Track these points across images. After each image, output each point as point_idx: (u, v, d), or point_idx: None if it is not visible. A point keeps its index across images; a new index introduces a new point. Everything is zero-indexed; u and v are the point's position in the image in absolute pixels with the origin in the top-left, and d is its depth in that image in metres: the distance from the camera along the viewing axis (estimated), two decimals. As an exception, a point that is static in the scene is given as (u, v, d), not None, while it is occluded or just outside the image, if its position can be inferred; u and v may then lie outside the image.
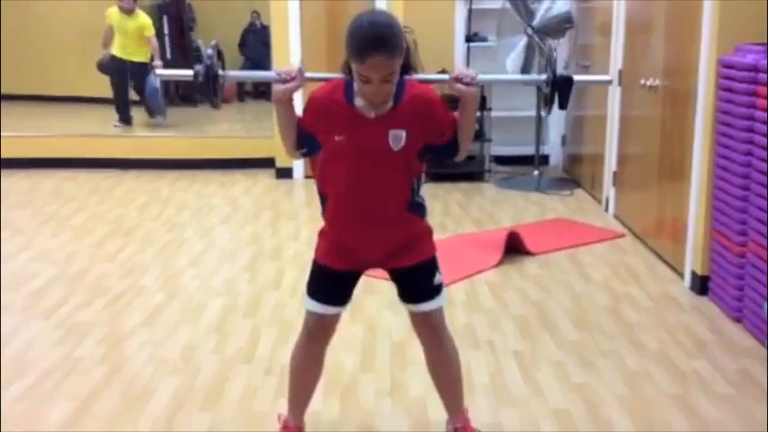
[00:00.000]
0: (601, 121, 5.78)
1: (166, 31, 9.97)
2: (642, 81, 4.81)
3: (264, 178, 6.85)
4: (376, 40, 2.17)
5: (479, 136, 6.93)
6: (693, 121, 4.06)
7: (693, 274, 4.11)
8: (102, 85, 8.40)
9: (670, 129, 4.49)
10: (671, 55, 4.51)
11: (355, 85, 2.31)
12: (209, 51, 2.44)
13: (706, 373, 3.22)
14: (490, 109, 6.85)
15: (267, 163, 6.92)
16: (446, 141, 2.39)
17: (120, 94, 8.38)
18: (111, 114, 8.32)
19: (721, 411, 2.92)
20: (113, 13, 8.17)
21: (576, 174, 6.77)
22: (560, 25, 6.27)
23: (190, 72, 2.44)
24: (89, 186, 6.65)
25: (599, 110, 5.86)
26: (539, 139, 6.76)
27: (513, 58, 6.45)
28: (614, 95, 5.48)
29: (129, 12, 8.12)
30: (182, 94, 10.11)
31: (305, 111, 2.41)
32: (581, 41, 6.36)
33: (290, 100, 2.38)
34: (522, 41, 6.36)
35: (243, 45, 10.53)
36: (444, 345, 2.57)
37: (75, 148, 7.40)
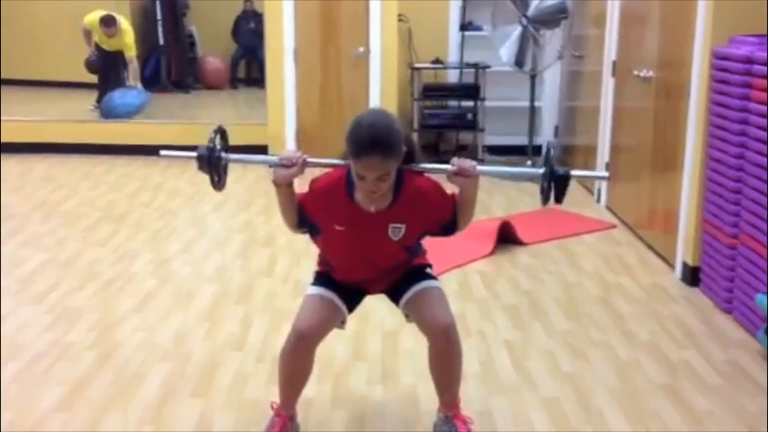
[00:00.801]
0: (594, 112, 5.78)
1: (159, 16, 9.91)
2: (636, 72, 4.81)
3: (257, 166, 6.80)
4: (372, 142, 2.22)
5: (473, 126, 6.94)
6: (687, 112, 4.06)
7: (685, 265, 4.12)
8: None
9: (663, 120, 4.50)
10: (665, 46, 4.51)
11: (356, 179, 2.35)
12: (212, 134, 2.48)
13: (696, 363, 3.23)
14: (484, 99, 6.85)
15: (260, 150, 6.88)
16: (445, 224, 2.49)
17: (105, 81, 8.27)
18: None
19: (711, 402, 2.93)
20: (94, 23, 7.93)
21: (568, 164, 6.71)
22: (555, 15, 6.27)
23: (193, 154, 2.46)
24: (81, 172, 6.62)
25: (592, 101, 5.86)
26: (532, 130, 6.76)
27: (508, 47, 6.45)
28: (608, 86, 5.48)
29: (110, 36, 7.97)
30: (174, 81, 10.06)
31: (306, 198, 2.47)
32: (575, 32, 6.36)
33: (291, 184, 2.44)
34: (516, 31, 6.35)
35: (236, 32, 10.48)
36: (453, 349, 2.55)
37: (67, 133, 7.36)
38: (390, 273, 2.58)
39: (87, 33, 8.09)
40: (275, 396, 2.68)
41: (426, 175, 2.49)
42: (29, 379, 3.06)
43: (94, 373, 3.11)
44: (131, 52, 8.08)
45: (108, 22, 7.88)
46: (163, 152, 2.69)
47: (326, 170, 2.50)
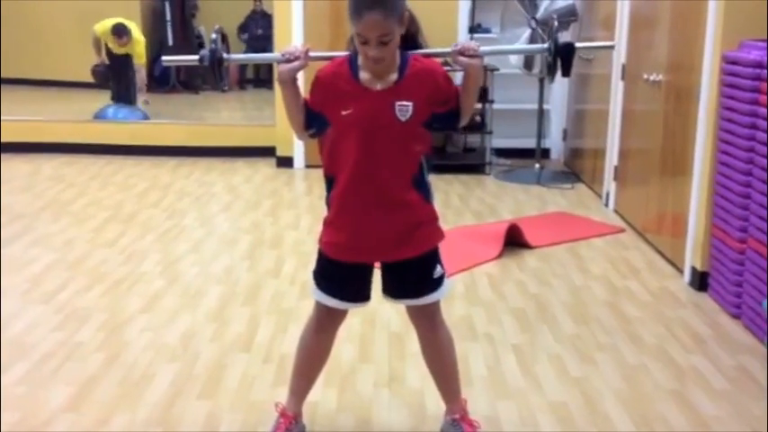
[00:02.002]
0: (603, 115, 5.77)
1: (168, 17, 9.95)
2: (645, 76, 4.80)
3: (265, 167, 6.84)
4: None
5: (481, 128, 6.94)
6: (696, 116, 4.05)
7: (693, 269, 4.11)
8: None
9: (672, 124, 4.49)
10: (674, 50, 4.50)
11: (359, 60, 2.34)
12: (214, 35, 2.49)
13: (704, 368, 3.22)
14: (492, 101, 6.84)
15: (268, 151, 6.91)
16: (448, 110, 2.42)
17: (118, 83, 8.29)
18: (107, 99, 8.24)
19: (718, 407, 2.92)
20: (107, 34, 7.93)
21: (576, 168, 6.77)
22: (564, 18, 6.25)
23: (195, 57, 2.45)
24: (90, 172, 6.64)
25: (601, 104, 5.85)
26: (540, 133, 6.75)
27: (517, 51, 6.44)
28: (617, 90, 5.47)
29: (122, 45, 7.96)
30: (183, 81, 10.09)
31: (311, 89, 2.43)
32: (585, 35, 6.34)
33: (295, 80, 2.40)
34: (525, 34, 6.34)
35: (245, 33, 10.50)
36: (439, 333, 2.58)
37: (76, 132, 7.39)
38: (396, 211, 2.41)
39: (97, 42, 8.06)
40: (281, 397, 2.69)
41: None
42: (37, 379, 3.06)
43: (102, 373, 3.12)
44: (141, 60, 8.07)
45: (120, 32, 7.86)
46: (165, 58, 2.69)
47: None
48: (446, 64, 2.46)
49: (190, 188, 6.15)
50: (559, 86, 7.09)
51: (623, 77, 5.39)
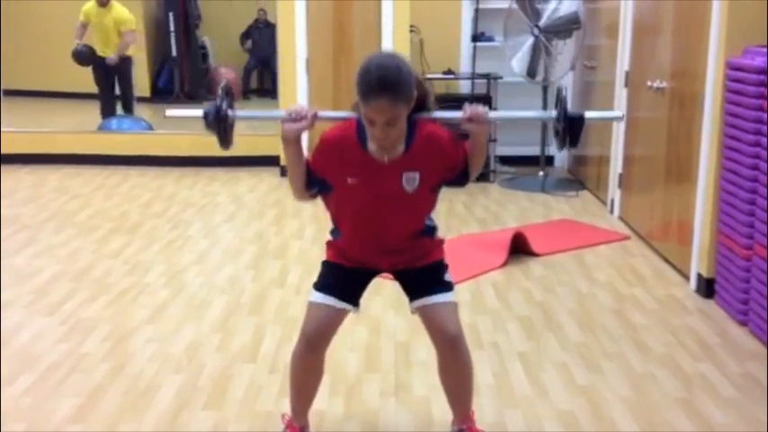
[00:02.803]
0: (607, 122, 5.76)
1: (172, 28, 9.97)
2: (649, 83, 4.80)
3: (269, 176, 6.84)
4: (381, 84, 2.19)
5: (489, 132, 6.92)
6: (701, 123, 4.05)
7: (699, 276, 4.09)
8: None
9: (677, 131, 4.48)
10: (678, 57, 4.49)
11: (367, 129, 2.32)
12: (220, 92, 2.44)
13: (711, 376, 3.21)
14: (496, 109, 6.84)
15: (272, 161, 6.91)
16: (458, 173, 2.44)
17: (106, 94, 8.21)
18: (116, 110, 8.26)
19: (726, 415, 2.91)
20: (90, 8, 7.91)
21: (581, 175, 6.76)
22: (567, 26, 6.26)
23: (199, 112, 2.44)
24: (94, 183, 6.65)
25: (605, 111, 5.83)
26: (544, 140, 6.75)
27: (520, 59, 6.45)
28: (621, 97, 5.47)
29: (104, 4, 7.87)
30: (187, 92, 10.11)
31: (315, 153, 2.42)
32: (588, 42, 6.35)
33: (299, 140, 2.38)
34: (528, 42, 6.35)
35: (247, 42, 10.53)
36: (459, 355, 2.54)
37: (80, 144, 7.41)
38: (405, 243, 2.49)
39: (83, 26, 8.01)
40: (287, 408, 2.68)
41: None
42: (42, 390, 3.06)
43: (108, 384, 3.11)
44: (125, 26, 7.95)
45: None
46: (168, 112, 2.66)
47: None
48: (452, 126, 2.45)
49: (194, 198, 6.16)
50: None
51: (627, 84, 5.38)
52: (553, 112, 2.43)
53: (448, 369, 2.56)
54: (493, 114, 2.39)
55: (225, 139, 2.46)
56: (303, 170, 2.41)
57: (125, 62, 8.10)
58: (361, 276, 2.55)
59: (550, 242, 4.91)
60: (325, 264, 2.57)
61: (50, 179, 6.74)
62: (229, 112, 2.43)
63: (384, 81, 2.19)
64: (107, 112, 8.17)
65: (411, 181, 2.37)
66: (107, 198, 6.17)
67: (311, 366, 2.55)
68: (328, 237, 2.59)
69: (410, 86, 2.25)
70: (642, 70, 5.08)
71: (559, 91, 2.46)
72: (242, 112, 2.51)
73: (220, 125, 2.42)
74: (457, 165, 2.42)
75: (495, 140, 6.84)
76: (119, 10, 8.00)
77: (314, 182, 2.43)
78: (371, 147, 2.33)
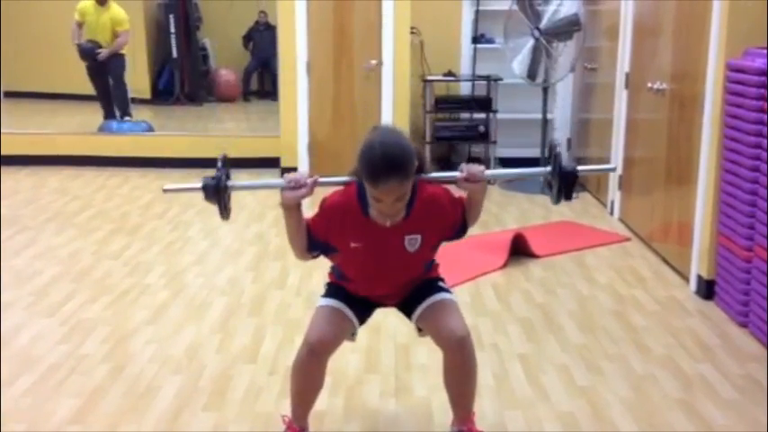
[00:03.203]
0: (607, 124, 5.77)
1: (173, 29, 9.97)
2: (649, 84, 4.80)
3: (269, 177, 6.81)
4: (389, 167, 2.22)
5: (485, 138, 6.93)
6: (701, 124, 4.05)
7: (699, 278, 4.09)
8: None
9: (677, 132, 4.48)
10: (679, 58, 4.50)
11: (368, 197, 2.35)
12: (219, 163, 2.47)
13: (711, 377, 3.21)
14: (496, 111, 6.84)
15: (272, 162, 6.91)
16: (458, 229, 2.51)
17: (105, 95, 8.14)
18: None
19: (726, 416, 2.91)
20: (87, 6, 7.85)
21: (581, 177, 6.74)
22: (567, 27, 6.26)
23: (198, 185, 2.46)
24: (94, 184, 6.65)
25: (605, 113, 5.84)
26: (544, 142, 6.74)
27: (520, 61, 6.44)
28: (621, 99, 5.47)
29: (102, 2, 7.81)
30: (187, 93, 10.11)
31: (317, 219, 2.45)
32: (588, 44, 6.35)
33: (299, 206, 2.42)
34: (528, 44, 6.35)
35: (250, 44, 10.54)
36: (468, 356, 2.54)
37: (81, 145, 7.41)
38: (407, 286, 2.58)
39: (79, 26, 7.93)
40: (287, 409, 2.68)
41: None
42: (42, 391, 3.06)
43: (108, 385, 3.11)
44: (121, 27, 7.88)
45: None
46: (166, 187, 2.70)
47: (335, 189, 2.49)
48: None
49: (194, 199, 6.11)
50: (563, 96, 7.09)
51: (627, 86, 5.38)
52: (548, 168, 2.53)
53: (455, 371, 2.56)
54: (489, 172, 2.46)
55: (225, 210, 2.52)
56: (304, 235, 2.45)
57: (117, 60, 7.98)
58: (366, 302, 2.62)
59: (550, 244, 4.91)
60: (331, 284, 2.64)
61: (51, 181, 6.74)
62: (228, 184, 2.47)
63: (392, 163, 2.22)
64: (109, 112, 8.12)
65: (413, 242, 2.43)
66: (107, 199, 6.17)
67: (313, 373, 2.55)
68: (329, 270, 2.68)
69: (413, 162, 2.28)
70: (642, 72, 5.08)
71: (553, 147, 2.54)
72: (240, 182, 2.57)
73: (220, 197, 2.45)
74: (456, 222, 2.49)
75: (495, 142, 6.85)
76: (116, 9, 7.93)
77: (316, 245, 2.48)
78: (373, 212, 2.38)
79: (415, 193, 2.38)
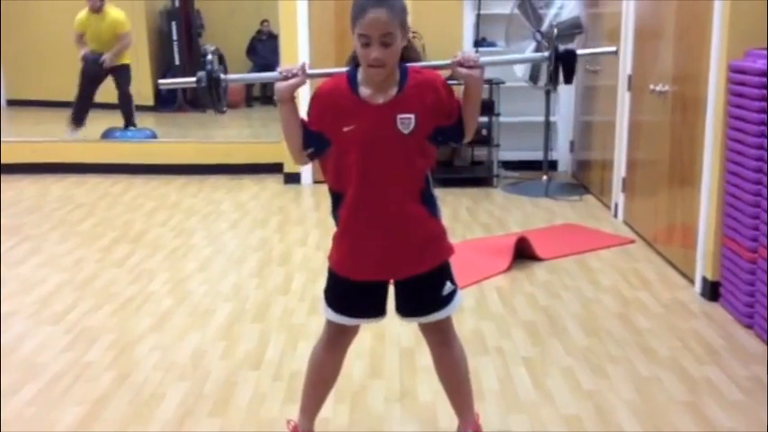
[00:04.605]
0: (610, 126, 5.77)
1: (175, 36, 10.01)
2: (651, 86, 4.79)
3: (272, 183, 6.85)
4: None
5: (487, 141, 6.94)
6: (704, 126, 4.04)
7: (704, 280, 4.09)
8: (112, 91, 8.37)
9: (680, 134, 4.48)
10: (680, 60, 4.49)
11: (359, 75, 2.33)
12: (210, 56, 2.43)
13: (717, 379, 3.20)
14: (498, 114, 6.84)
15: (275, 168, 6.92)
16: (452, 124, 2.39)
17: (85, 101, 8.02)
18: (118, 120, 8.17)
19: (732, 418, 2.90)
20: (82, 17, 7.78)
21: (584, 179, 6.75)
22: (569, 30, 6.27)
23: (192, 79, 2.43)
24: (98, 192, 6.66)
25: (608, 115, 5.84)
26: (547, 145, 6.75)
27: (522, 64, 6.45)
28: (623, 101, 5.47)
29: (98, 10, 7.72)
30: (189, 100, 10.13)
31: (310, 107, 2.41)
32: (590, 47, 6.35)
33: (293, 98, 2.37)
34: (530, 47, 6.35)
35: (251, 52, 10.56)
36: (451, 348, 2.56)
37: (83, 153, 7.42)
38: (404, 224, 2.40)
39: (80, 37, 7.88)
40: (291, 414, 2.68)
41: None
42: (47, 399, 3.06)
43: (113, 392, 3.11)
44: (122, 28, 7.81)
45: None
46: (162, 81, 2.67)
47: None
48: (450, 78, 2.44)
49: (198, 206, 6.16)
50: (566, 98, 7.09)
51: (629, 88, 5.38)
52: (546, 52, 2.46)
53: (442, 362, 2.58)
54: (485, 59, 2.37)
55: (218, 103, 2.46)
56: (299, 128, 2.39)
57: (123, 71, 7.95)
58: (369, 288, 2.47)
59: (554, 247, 4.90)
60: (330, 273, 2.51)
61: (54, 188, 6.75)
62: (221, 75, 2.43)
63: None
64: (79, 118, 7.95)
65: (406, 123, 2.33)
66: (111, 207, 6.18)
67: (330, 364, 2.57)
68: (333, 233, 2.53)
69: (404, 7, 2.27)
70: (644, 74, 5.08)
71: (552, 32, 2.48)
72: (234, 75, 2.52)
73: (212, 89, 2.41)
74: (452, 111, 2.38)
75: (498, 145, 6.85)
76: (114, 13, 7.85)
77: (310, 139, 2.39)
78: (364, 91, 2.33)
79: (407, 74, 2.34)
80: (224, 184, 6.85)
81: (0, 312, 3.90)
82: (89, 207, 6.16)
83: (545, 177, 6.61)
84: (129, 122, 8.00)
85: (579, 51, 2.46)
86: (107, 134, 7.85)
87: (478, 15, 7.19)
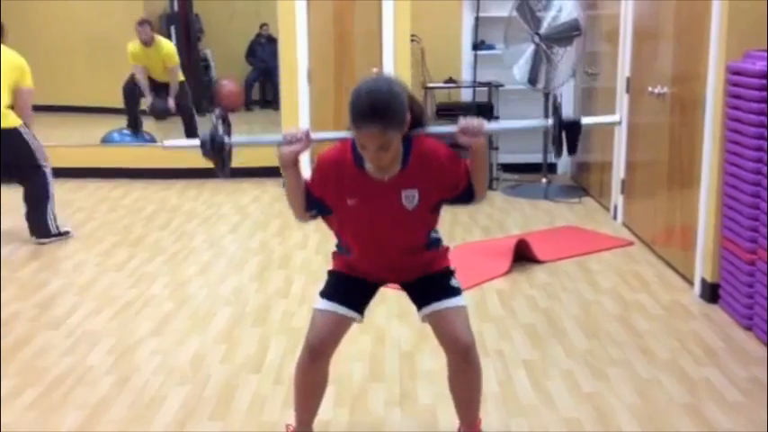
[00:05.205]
0: (609, 129, 5.76)
1: (174, 40, 9.99)
2: (650, 88, 4.80)
3: (272, 187, 6.85)
4: (371, 111, 2.18)
5: (487, 144, 6.93)
6: (702, 128, 4.05)
7: (703, 281, 4.09)
8: (112, 95, 8.37)
9: (679, 136, 4.48)
10: (679, 62, 4.50)
11: None
12: (214, 119, 2.44)
13: (716, 381, 3.20)
14: (497, 117, 6.85)
15: (275, 171, 6.87)
16: (461, 191, 2.41)
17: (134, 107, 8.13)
18: (118, 124, 8.19)
19: (732, 420, 2.90)
20: (137, 51, 7.86)
21: (584, 181, 6.76)
22: (567, 33, 6.27)
23: (196, 142, 2.44)
24: (98, 196, 6.67)
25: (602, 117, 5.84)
26: (546, 147, 6.75)
27: (521, 66, 6.46)
28: (622, 103, 5.47)
29: (150, 43, 7.86)
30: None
31: (313, 175, 2.43)
32: (588, 49, 6.36)
33: (297, 163, 2.39)
34: (529, 49, 6.36)
35: (251, 56, 10.57)
36: (472, 364, 2.52)
37: (83, 157, 7.42)
38: (410, 257, 2.49)
39: (140, 71, 7.93)
40: (292, 418, 2.68)
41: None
42: (48, 403, 3.06)
43: (113, 396, 3.11)
44: (171, 62, 7.94)
45: (141, 22, 7.76)
46: (166, 142, 2.68)
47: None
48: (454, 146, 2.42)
49: (198, 210, 6.16)
50: (565, 101, 7.08)
51: (628, 90, 5.39)
52: (550, 120, 2.43)
53: (459, 378, 2.56)
54: (488, 126, 2.35)
55: (223, 167, 2.48)
56: (302, 192, 2.41)
57: (181, 91, 8.06)
58: (367, 286, 2.56)
59: (554, 249, 4.91)
60: (331, 273, 2.58)
61: (54, 193, 6.74)
62: (225, 140, 2.44)
63: (375, 108, 2.17)
64: (135, 124, 8.09)
65: (410, 198, 2.36)
66: (111, 211, 6.19)
67: (315, 375, 2.55)
68: (333, 248, 2.60)
69: (402, 112, 2.23)
70: (643, 76, 5.09)
71: (555, 98, 2.46)
72: (238, 138, 2.52)
73: (217, 153, 2.43)
74: (458, 182, 2.39)
75: (497, 148, 6.85)
76: (165, 45, 7.99)
77: (313, 203, 2.43)
78: (368, 166, 2.33)
79: (411, 147, 2.33)
80: (224, 188, 6.84)
81: (0, 316, 3.90)
82: (89, 211, 6.16)
83: (544, 180, 6.61)
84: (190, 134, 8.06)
85: (583, 121, 2.43)
86: (107, 138, 7.85)
87: (477, 18, 7.21)
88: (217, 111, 2.49)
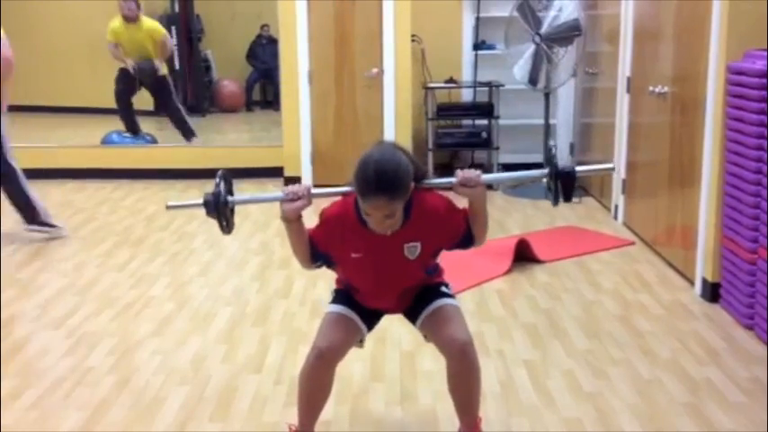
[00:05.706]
0: (609, 128, 5.77)
1: (175, 42, 10.00)
2: (651, 88, 4.80)
3: (273, 187, 6.84)
4: (378, 184, 2.23)
5: (487, 144, 6.94)
6: (703, 127, 4.05)
7: (704, 281, 4.09)
8: (112, 96, 8.36)
9: (679, 135, 4.48)
10: (679, 62, 4.50)
11: None
12: (217, 180, 2.47)
13: (718, 381, 3.20)
14: (498, 117, 6.85)
15: (276, 172, 6.93)
16: (461, 238, 2.49)
17: (129, 111, 8.03)
18: (118, 125, 8.17)
19: (733, 419, 2.90)
20: (117, 27, 7.71)
21: (584, 181, 6.75)
22: (568, 32, 6.27)
23: (199, 201, 2.47)
24: (98, 197, 6.67)
25: (607, 117, 5.84)
26: (547, 147, 6.75)
27: (521, 66, 6.46)
28: (623, 103, 5.47)
29: (134, 20, 7.68)
30: (190, 105, 10.13)
31: (317, 230, 2.47)
32: (589, 49, 6.36)
33: (299, 218, 2.42)
34: (529, 49, 6.36)
35: (252, 57, 10.57)
36: (470, 362, 2.53)
37: (84, 158, 7.43)
38: (412, 291, 2.58)
39: (116, 47, 7.81)
40: (293, 418, 2.68)
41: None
42: (49, 404, 3.06)
43: (114, 397, 3.11)
44: (159, 35, 7.82)
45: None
46: (169, 203, 2.71)
47: (334, 200, 2.50)
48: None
49: (198, 210, 6.14)
50: (565, 101, 7.09)
51: (628, 90, 5.39)
52: (545, 170, 2.53)
53: (458, 379, 2.56)
54: (485, 177, 2.44)
55: (227, 225, 2.52)
56: (306, 246, 2.47)
57: (164, 88, 7.97)
58: (372, 311, 2.63)
59: (555, 249, 4.90)
60: (338, 290, 2.65)
61: (54, 194, 6.74)
62: (228, 199, 2.47)
63: (382, 181, 2.23)
64: (133, 128, 8.02)
65: (412, 250, 2.44)
66: (111, 212, 6.19)
67: (321, 379, 2.55)
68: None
69: (408, 182, 2.30)
70: (643, 76, 5.09)
71: (551, 149, 2.52)
72: (240, 196, 2.56)
73: (220, 212, 2.46)
74: (457, 231, 2.47)
75: (497, 148, 6.85)
76: (149, 22, 7.86)
77: (318, 256, 2.50)
78: (370, 221, 2.38)
79: (412, 202, 2.38)
80: (224, 189, 6.84)
81: (0, 317, 3.90)
82: (89, 212, 6.16)
83: (545, 180, 6.60)
84: (191, 134, 8.00)
85: (578, 169, 2.53)
86: (107, 139, 7.85)
87: (478, 18, 7.21)
88: (219, 171, 2.52)
